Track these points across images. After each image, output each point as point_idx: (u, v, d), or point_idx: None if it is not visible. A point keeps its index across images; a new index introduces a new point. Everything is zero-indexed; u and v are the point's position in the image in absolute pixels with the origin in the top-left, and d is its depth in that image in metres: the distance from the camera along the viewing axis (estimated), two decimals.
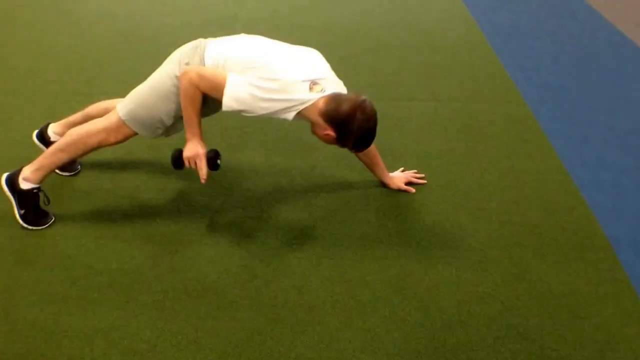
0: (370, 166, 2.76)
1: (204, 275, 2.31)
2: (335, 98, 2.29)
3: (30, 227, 2.49)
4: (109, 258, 2.38)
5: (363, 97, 2.30)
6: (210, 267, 2.36)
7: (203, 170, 2.36)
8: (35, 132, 2.83)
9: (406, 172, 2.90)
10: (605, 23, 5.19)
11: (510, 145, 3.24)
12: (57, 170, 2.75)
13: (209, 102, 2.38)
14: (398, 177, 2.83)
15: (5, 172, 2.52)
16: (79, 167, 2.89)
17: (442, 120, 3.47)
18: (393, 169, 2.92)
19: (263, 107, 2.26)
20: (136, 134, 2.47)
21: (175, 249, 2.44)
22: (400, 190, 2.80)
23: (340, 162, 3.01)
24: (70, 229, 2.53)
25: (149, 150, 3.03)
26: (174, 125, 2.51)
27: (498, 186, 2.89)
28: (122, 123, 2.42)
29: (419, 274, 2.36)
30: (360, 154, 2.70)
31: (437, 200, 2.78)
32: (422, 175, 2.90)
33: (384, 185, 2.82)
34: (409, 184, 2.83)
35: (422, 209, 2.72)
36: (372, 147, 2.69)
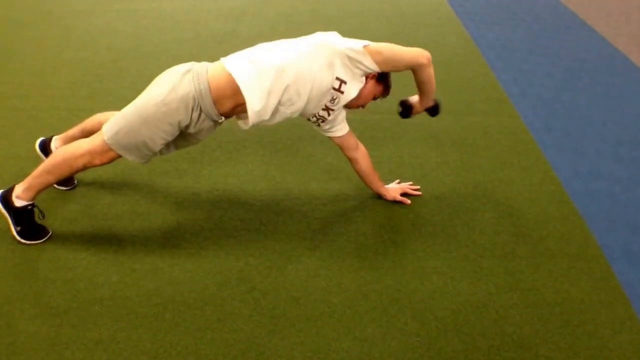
0: (366, 178, 2.80)
1: (203, 287, 2.35)
2: None
3: (27, 242, 2.52)
4: (109, 271, 2.41)
5: None
6: (209, 279, 2.39)
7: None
8: (39, 141, 2.86)
9: (402, 183, 2.95)
10: (598, 37, 5.26)
11: (504, 157, 3.28)
12: (55, 185, 2.79)
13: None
14: (394, 189, 2.87)
15: (8, 186, 2.56)
16: (76, 181, 2.93)
17: (437, 133, 3.52)
18: (389, 181, 2.96)
19: None
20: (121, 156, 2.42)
21: (174, 261, 2.48)
22: (395, 202, 2.84)
23: (337, 175, 3.05)
24: (71, 242, 2.56)
25: (148, 164, 3.06)
26: (164, 151, 2.53)
27: (492, 197, 2.93)
28: (107, 147, 2.36)
29: (415, 284, 2.39)
30: (356, 167, 2.74)
31: (432, 211, 2.82)
32: (418, 187, 2.94)
33: (379, 197, 2.86)
34: (404, 195, 2.87)
35: (417, 220, 2.75)
36: (368, 160, 2.74)
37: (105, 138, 2.36)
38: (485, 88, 4.13)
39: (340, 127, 2.64)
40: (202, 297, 2.30)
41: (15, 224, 2.50)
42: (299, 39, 2.45)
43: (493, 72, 4.39)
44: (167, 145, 2.51)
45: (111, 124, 2.37)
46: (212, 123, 2.42)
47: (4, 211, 2.49)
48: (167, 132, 2.36)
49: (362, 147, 2.74)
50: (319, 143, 3.31)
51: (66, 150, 2.45)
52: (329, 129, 2.63)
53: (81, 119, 2.91)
